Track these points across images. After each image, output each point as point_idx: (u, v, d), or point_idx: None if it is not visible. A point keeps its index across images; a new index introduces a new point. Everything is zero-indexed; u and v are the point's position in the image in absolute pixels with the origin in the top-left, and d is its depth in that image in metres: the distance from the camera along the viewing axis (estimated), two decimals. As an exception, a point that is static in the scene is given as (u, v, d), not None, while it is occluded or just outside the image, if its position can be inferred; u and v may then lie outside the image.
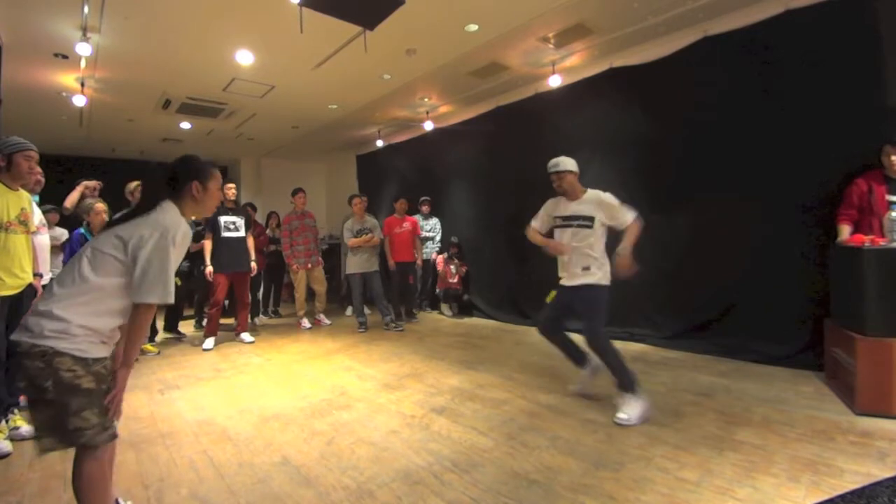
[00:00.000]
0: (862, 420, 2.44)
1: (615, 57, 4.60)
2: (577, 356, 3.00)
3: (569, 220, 2.87)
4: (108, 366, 1.56)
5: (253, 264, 5.05)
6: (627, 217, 2.78)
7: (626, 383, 2.63)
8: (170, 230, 1.54)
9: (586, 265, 2.78)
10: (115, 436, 1.58)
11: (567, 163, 2.88)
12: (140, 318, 1.56)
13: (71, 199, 3.99)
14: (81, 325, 1.45)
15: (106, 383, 1.53)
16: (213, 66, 4.59)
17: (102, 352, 1.53)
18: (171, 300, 1.57)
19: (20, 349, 1.42)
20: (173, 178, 1.67)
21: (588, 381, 2.99)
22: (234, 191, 5.00)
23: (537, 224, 3.03)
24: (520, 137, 5.53)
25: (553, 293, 2.94)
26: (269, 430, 2.65)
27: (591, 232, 2.80)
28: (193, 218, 2.00)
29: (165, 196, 1.63)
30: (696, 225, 4.04)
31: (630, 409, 2.56)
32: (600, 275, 2.77)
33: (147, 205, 1.60)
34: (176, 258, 1.58)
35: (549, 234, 3.03)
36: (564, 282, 2.88)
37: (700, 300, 4.01)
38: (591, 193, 2.88)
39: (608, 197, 2.85)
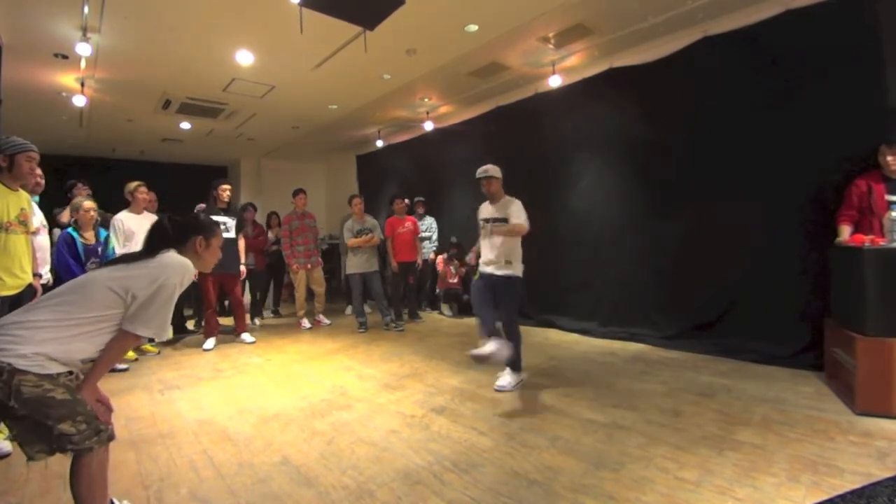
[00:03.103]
0: (862, 420, 2.44)
1: (615, 57, 4.60)
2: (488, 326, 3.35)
3: (489, 221, 3.37)
4: (73, 379, 1.52)
5: (242, 267, 5.01)
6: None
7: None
8: (179, 272, 1.60)
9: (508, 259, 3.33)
10: (111, 437, 1.55)
11: (494, 170, 3.34)
12: (121, 344, 1.56)
13: (67, 215, 3.99)
14: (38, 352, 1.39)
15: (78, 393, 1.49)
16: (213, 66, 4.59)
17: (62, 368, 1.47)
18: (167, 337, 1.61)
19: None
20: (180, 231, 1.72)
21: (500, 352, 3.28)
22: (228, 192, 4.95)
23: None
24: (520, 137, 5.53)
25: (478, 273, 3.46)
26: (269, 430, 2.65)
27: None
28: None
29: (171, 246, 1.68)
30: (696, 225, 4.04)
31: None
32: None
33: (152, 250, 1.64)
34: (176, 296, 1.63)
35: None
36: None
37: (700, 300, 4.01)
38: (506, 198, 3.38)
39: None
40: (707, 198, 3.94)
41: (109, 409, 1.72)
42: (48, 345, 1.41)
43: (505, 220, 3.27)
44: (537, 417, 2.70)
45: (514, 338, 3.21)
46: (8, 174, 2.44)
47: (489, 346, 2.99)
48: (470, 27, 3.99)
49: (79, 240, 3.72)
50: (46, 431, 1.40)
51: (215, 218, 4.74)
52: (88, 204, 3.84)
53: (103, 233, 4.05)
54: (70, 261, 3.60)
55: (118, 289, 1.50)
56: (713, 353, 3.77)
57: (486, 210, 3.47)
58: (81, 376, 1.57)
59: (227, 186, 4.94)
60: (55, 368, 1.43)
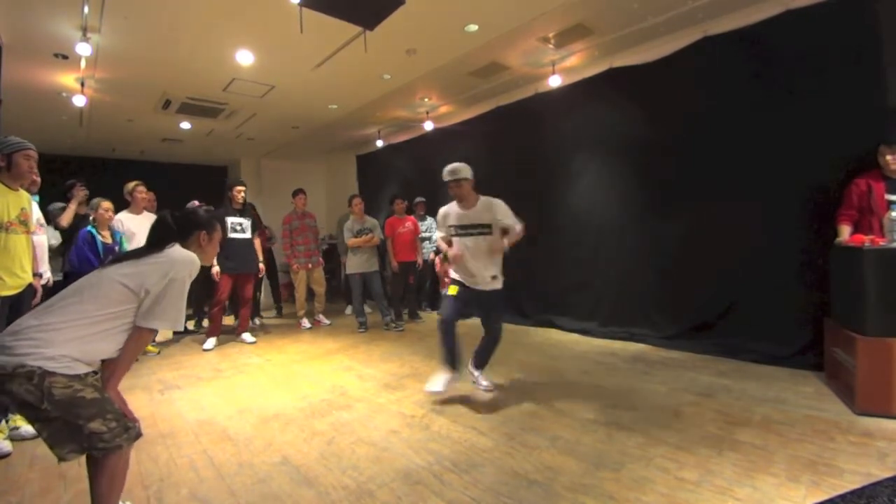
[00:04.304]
0: (862, 420, 2.44)
1: (615, 57, 4.60)
2: (456, 359, 3.02)
3: (467, 229, 3.01)
4: (98, 379, 1.54)
5: (261, 265, 5.07)
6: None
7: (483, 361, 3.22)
8: (188, 265, 1.65)
9: (494, 273, 3.01)
10: (139, 434, 1.58)
11: (465, 170, 2.98)
12: (138, 340, 1.59)
13: (67, 218, 3.98)
14: (64, 354, 1.42)
15: (105, 392, 1.53)
16: (213, 66, 4.59)
17: (87, 368, 1.50)
18: (181, 327, 1.67)
19: (2, 371, 1.35)
20: (184, 225, 1.78)
21: (450, 385, 3.02)
22: (243, 194, 4.98)
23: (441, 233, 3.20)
24: (520, 137, 5.53)
25: (456, 288, 3.06)
26: (269, 430, 2.66)
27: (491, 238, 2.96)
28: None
29: (174, 240, 1.72)
30: (696, 225, 4.04)
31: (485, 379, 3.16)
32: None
33: (158, 245, 1.68)
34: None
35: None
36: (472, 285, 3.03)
37: (700, 300, 4.01)
38: (484, 200, 3.00)
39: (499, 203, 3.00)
40: (707, 198, 3.94)
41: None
42: (70, 345, 1.43)
43: (487, 227, 2.93)
44: (537, 417, 2.70)
45: (495, 341, 3.16)
46: (7, 173, 2.44)
47: (443, 382, 2.96)
48: (470, 27, 3.99)
49: (98, 238, 3.76)
50: (77, 431, 1.42)
51: (231, 219, 4.81)
52: (107, 204, 3.91)
53: (117, 233, 4.09)
54: (92, 257, 3.65)
55: (131, 284, 1.54)
56: (713, 353, 3.77)
57: (456, 216, 3.04)
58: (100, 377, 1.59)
59: (241, 188, 4.98)
60: (81, 369, 1.46)
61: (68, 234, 4.03)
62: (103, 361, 1.59)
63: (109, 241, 3.91)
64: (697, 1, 3.68)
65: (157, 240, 1.70)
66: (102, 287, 1.53)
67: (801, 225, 3.45)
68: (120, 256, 1.71)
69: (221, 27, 3.84)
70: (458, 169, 2.95)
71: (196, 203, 5.80)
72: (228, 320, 5.89)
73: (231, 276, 4.82)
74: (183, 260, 1.65)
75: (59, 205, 4.14)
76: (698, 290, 4.01)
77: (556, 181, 5.24)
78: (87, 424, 1.42)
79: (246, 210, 5.07)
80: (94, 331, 1.48)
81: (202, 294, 5.68)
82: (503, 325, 3.18)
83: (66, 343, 1.43)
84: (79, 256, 3.65)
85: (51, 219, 4.05)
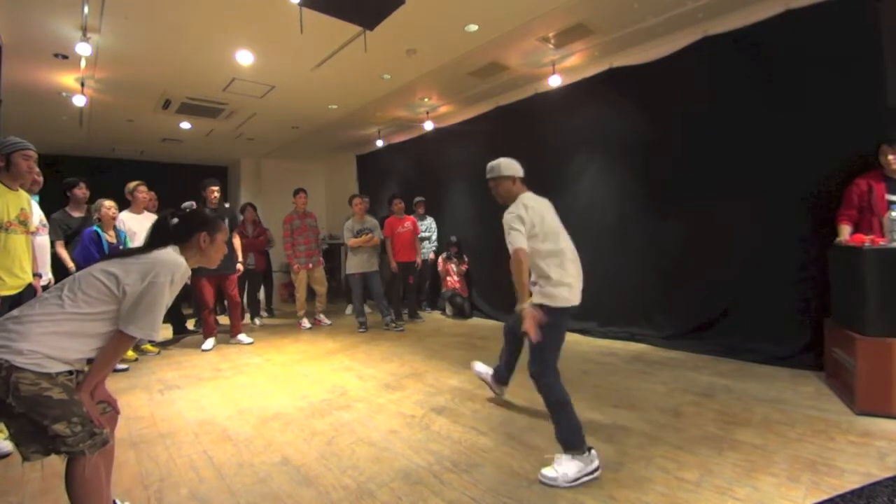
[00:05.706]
0: (862, 420, 2.44)
1: (615, 57, 4.60)
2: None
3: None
4: (72, 380, 1.49)
5: (239, 266, 4.99)
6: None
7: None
8: (170, 269, 1.56)
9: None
10: (105, 441, 1.52)
11: (496, 168, 2.40)
12: (117, 345, 1.52)
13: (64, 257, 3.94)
14: (35, 350, 1.38)
15: (76, 394, 1.47)
16: (213, 66, 4.59)
17: (62, 367, 1.45)
18: (156, 337, 1.56)
19: None
20: (183, 227, 1.70)
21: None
22: (217, 193, 4.90)
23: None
24: (520, 137, 5.52)
25: None
26: (269, 430, 2.65)
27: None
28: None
29: (172, 241, 1.66)
30: (695, 225, 4.04)
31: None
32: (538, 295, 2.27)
33: (151, 246, 1.63)
34: (170, 296, 1.59)
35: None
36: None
37: (700, 300, 4.01)
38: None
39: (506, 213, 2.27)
40: (707, 197, 3.94)
41: (116, 411, 1.71)
42: (45, 340, 1.39)
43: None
44: (537, 417, 2.70)
45: (552, 404, 2.11)
46: (6, 173, 2.44)
47: (481, 370, 3.04)
48: (470, 27, 3.98)
49: (104, 237, 3.76)
50: (42, 431, 1.39)
51: None
52: (109, 203, 3.92)
53: (122, 232, 4.09)
54: (98, 258, 3.62)
55: (109, 282, 1.48)
56: (713, 353, 3.77)
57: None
58: (74, 378, 1.54)
59: (215, 188, 4.89)
60: (55, 367, 1.41)
61: (72, 235, 4.01)
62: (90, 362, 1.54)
63: (114, 240, 3.90)
64: (697, 1, 3.68)
65: (152, 241, 1.65)
66: (84, 283, 1.48)
67: (801, 225, 3.45)
68: (110, 254, 1.68)
69: (221, 27, 3.83)
70: (490, 167, 2.42)
71: (192, 204, 5.78)
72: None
73: (210, 278, 4.73)
74: (166, 262, 1.56)
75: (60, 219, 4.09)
76: (698, 289, 4.01)
77: (556, 181, 5.23)
78: (51, 426, 1.38)
79: (222, 209, 4.99)
80: (68, 329, 1.43)
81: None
82: (533, 370, 2.23)
83: (41, 337, 1.39)
84: (84, 256, 3.65)
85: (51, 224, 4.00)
